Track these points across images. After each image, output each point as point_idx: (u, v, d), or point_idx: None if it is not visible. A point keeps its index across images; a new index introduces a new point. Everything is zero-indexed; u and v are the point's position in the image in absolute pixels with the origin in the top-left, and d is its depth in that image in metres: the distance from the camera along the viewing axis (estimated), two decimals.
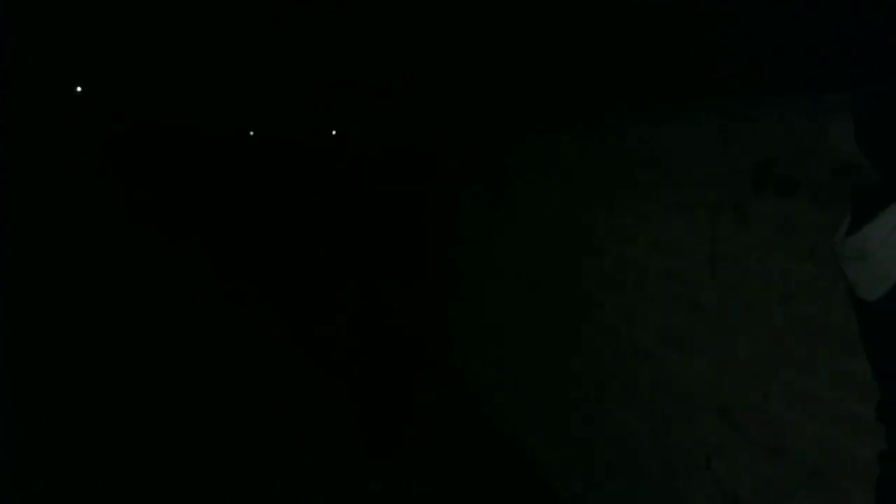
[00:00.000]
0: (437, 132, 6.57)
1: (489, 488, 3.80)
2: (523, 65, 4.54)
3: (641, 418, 2.85)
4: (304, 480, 3.77)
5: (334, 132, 12.50)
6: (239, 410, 4.66)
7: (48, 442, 3.98)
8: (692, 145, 2.54)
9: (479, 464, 4.09)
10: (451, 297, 5.88)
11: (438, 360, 5.91)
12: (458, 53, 5.76)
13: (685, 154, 2.58)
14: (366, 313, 4.39)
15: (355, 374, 4.87)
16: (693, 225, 2.49)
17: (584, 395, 3.39)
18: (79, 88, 9.60)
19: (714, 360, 2.37)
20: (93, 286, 7.21)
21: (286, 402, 4.84)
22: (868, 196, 1.27)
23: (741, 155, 2.25)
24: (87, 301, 6.71)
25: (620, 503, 3.06)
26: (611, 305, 3.13)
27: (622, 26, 3.35)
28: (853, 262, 1.25)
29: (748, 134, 2.24)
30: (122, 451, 3.96)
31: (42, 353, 5.22)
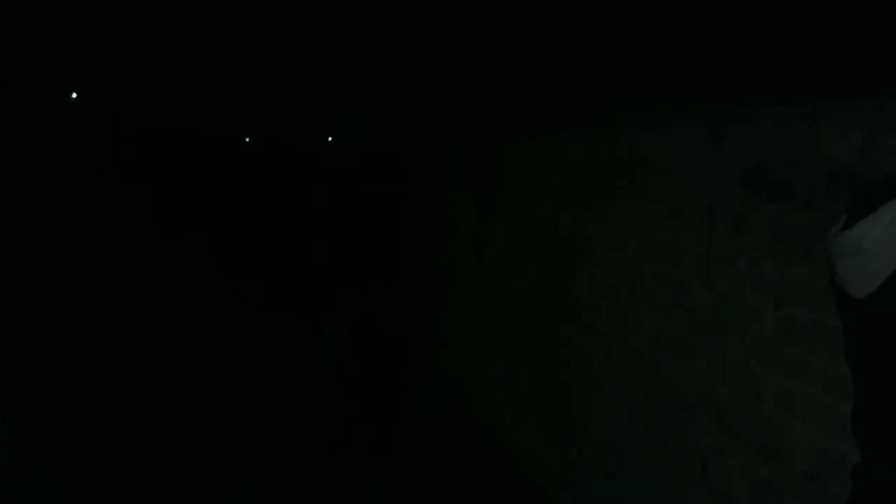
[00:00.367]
0: (431, 135, 6.59)
1: (483, 492, 3.81)
2: (519, 70, 4.55)
3: (636, 421, 2.86)
4: (302, 482, 3.78)
5: (332, 133, 12.52)
6: (236, 410, 4.67)
7: (48, 442, 3.99)
8: (686, 150, 2.55)
9: (472, 468, 4.09)
10: (444, 299, 5.89)
11: (431, 363, 5.92)
12: (455, 55, 5.78)
13: (679, 159, 2.59)
14: (361, 315, 4.40)
15: (350, 375, 4.88)
16: (687, 229, 2.50)
17: (578, 398, 3.39)
18: (75, 94, 9.60)
19: (708, 364, 2.38)
20: (92, 287, 7.22)
21: (282, 403, 4.85)
22: (867, 193, 1.27)
23: (735, 160, 2.26)
24: (85, 302, 6.72)
25: None
26: (605, 309, 3.14)
27: (618, 31, 3.36)
28: (846, 257, 1.25)
29: (742, 139, 2.25)
30: (121, 450, 3.97)
31: (42, 353, 5.22)
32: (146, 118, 11.42)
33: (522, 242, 4.16)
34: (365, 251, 7.75)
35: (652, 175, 2.76)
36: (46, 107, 8.98)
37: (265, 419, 4.60)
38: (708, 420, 2.36)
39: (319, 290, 7.85)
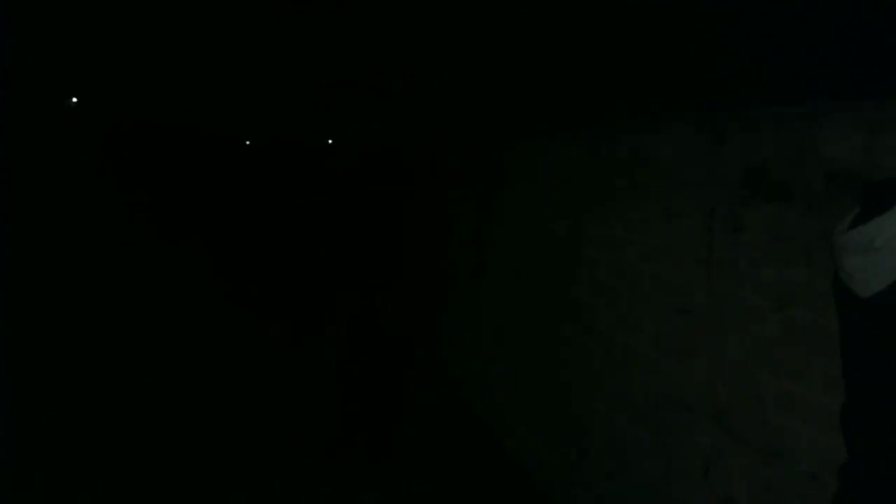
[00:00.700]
0: (431, 135, 6.58)
1: (483, 492, 3.81)
2: (519, 70, 4.55)
3: (636, 422, 2.85)
4: (302, 482, 3.78)
5: (332, 133, 12.52)
6: (237, 410, 4.66)
7: (48, 442, 3.99)
8: (686, 150, 2.55)
9: (472, 468, 4.10)
10: (444, 299, 5.89)
11: (431, 363, 5.92)
12: (455, 56, 5.78)
13: (679, 159, 2.59)
14: (361, 316, 4.40)
15: (350, 375, 4.87)
16: (687, 229, 2.50)
17: (578, 398, 3.39)
18: (75, 96, 9.59)
19: (708, 364, 2.38)
20: (92, 287, 7.21)
21: (282, 402, 4.85)
22: (878, 191, 1.26)
23: (735, 160, 2.26)
24: (86, 302, 6.71)
25: None
26: (605, 309, 3.14)
27: (618, 31, 3.36)
28: (856, 254, 1.23)
29: (742, 139, 2.25)
30: (121, 450, 3.96)
31: (42, 353, 5.22)
32: (147, 119, 11.42)
33: (522, 242, 4.16)
34: (365, 251, 7.75)
35: (652, 175, 2.75)
36: (47, 107, 8.98)
37: (265, 419, 4.61)
38: (708, 420, 2.36)
39: (319, 290, 7.84)
